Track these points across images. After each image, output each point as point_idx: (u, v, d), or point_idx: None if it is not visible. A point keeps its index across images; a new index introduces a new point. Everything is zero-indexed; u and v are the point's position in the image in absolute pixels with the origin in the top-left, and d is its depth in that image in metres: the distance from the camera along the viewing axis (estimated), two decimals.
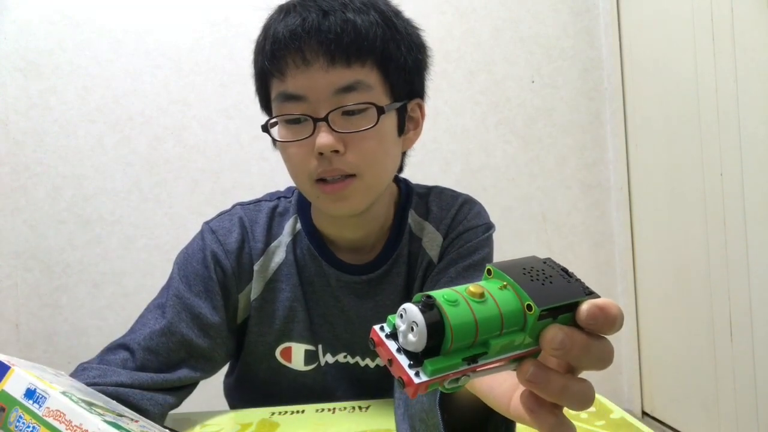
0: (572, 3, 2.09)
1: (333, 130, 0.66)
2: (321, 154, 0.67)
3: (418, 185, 0.87)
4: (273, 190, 0.89)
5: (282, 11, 0.69)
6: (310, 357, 0.81)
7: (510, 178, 2.06)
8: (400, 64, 0.70)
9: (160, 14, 1.96)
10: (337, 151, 0.66)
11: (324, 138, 0.66)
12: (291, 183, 0.88)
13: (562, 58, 2.09)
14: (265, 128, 0.72)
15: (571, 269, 0.34)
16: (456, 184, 0.91)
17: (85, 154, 1.94)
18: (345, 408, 0.76)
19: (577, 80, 2.09)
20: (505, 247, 2.00)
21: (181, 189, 1.97)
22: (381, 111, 0.67)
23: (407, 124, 0.76)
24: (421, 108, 0.78)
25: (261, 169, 1.98)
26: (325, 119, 0.66)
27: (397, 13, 0.73)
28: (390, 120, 0.71)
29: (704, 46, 1.60)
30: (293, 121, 0.69)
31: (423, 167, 1.95)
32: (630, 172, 2.03)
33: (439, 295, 0.30)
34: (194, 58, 1.97)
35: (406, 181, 0.86)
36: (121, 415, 0.48)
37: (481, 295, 0.31)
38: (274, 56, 0.68)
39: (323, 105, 0.66)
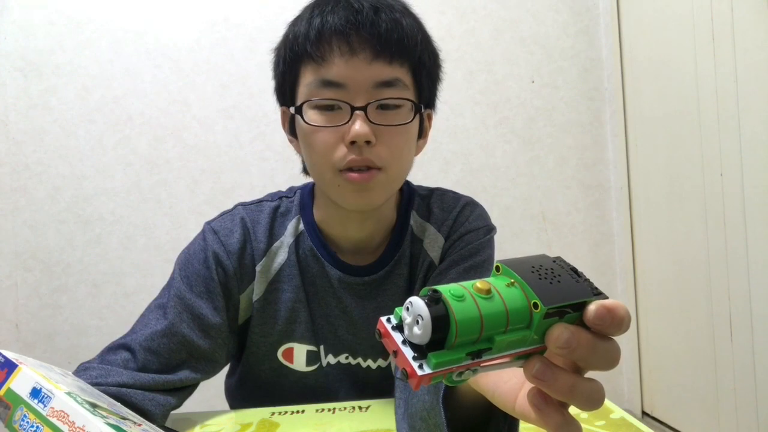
0: (572, 3, 2.09)
1: (369, 120, 0.67)
2: (353, 143, 0.67)
3: (420, 187, 0.87)
4: (273, 190, 0.88)
5: (329, 3, 0.70)
6: (311, 358, 0.81)
7: (510, 178, 2.07)
8: (429, 73, 0.74)
9: (160, 14, 1.96)
10: (368, 142, 0.68)
11: (361, 127, 0.67)
12: (291, 183, 0.88)
13: (562, 58, 2.09)
14: (299, 110, 0.71)
15: (582, 272, 0.34)
16: (456, 184, 0.91)
17: (85, 154, 1.94)
18: (345, 408, 0.76)
19: (577, 80, 2.09)
20: (506, 247, 2.01)
21: (181, 189, 1.97)
22: (418, 108, 0.71)
23: (421, 131, 0.78)
24: (430, 118, 0.81)
25: (261, 169, 1.98)
26: (364, 109, 0.67)
27: (424, 25, 0.76)
28: (415, 123, 0.73)
29: (704, 46, 1.60)
30: (327, 108, 0.69)
31: (423, 167, 1.95)
32: (630, 172, 2.03)
33: (446, 289, 0.30)
34: (194, 58, 1.97)
35: (408, 183, 0.86)
36: (124, 418, 0.48)
37: (488, 291, 0.31)
38: (319, 41, 0.68)
39: (362, 95, 0.68)
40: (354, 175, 0.69)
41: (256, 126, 1.97)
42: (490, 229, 0.83)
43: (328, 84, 0.68)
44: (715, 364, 1.62)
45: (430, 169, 1.99)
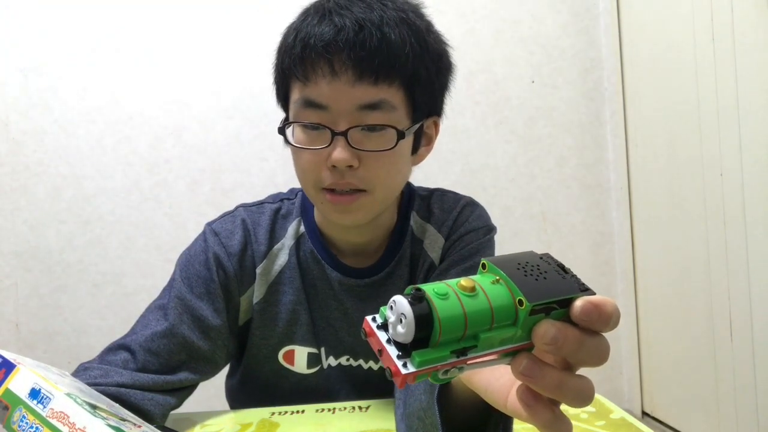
0: (572, 3, 2.09)
1: (350, 145, 0.66)
2: (334, 166, 0.66)
3: (420, 188, 0.87)
4: (273, 190, 0.89)
5: (317, 14, 0.67)
6: (312, 360, 0.81)
7: (510, 178, 2.06)
8: (426, 86, 0.69)
9: (161, 14, 1.96)
10: (351, 166, 0.66)
11: (340, 153, 0.65)
12: (292, 184, 0.88)
13: (562, 58, 2.09)
14: (282, 130, 0.71)
15: (570, 268, 0.34)
16: (456, 184, 0.91)
17: (85, 154, 1.94)
18: (345, 408, 0.76)
19: (577, 80, 2.09)
20: (506, 247, 1.99)
21: (181, 189, 1.97)
22: (401, 135, 0.67)
23: (421, 140, 0.76)
24: (436, 125, 0.78)
25: (261, 169, 1.98)
26: (345, 134, 0.65)
27: (429, 28, 0.71)
28: (407, 141, 0.70)
29: (704, 46, 1.60)
30: (311, 128, 0.68)
31: (423, 167, 1.93)
32: (630, 172, 2.03)
33: (430, 288, 0.30)
34: (195, 57, 1.97)
35: (408, 184, 0.86)
36: (124, 420, 0.48)
37: (472, 289, 0.31)
38: (303, 60, 0.66)
39: (344, 118, 0.66)
40: (335, 197, 0.68)
41: (256, 126, 1.97)
42: (490, 229, 0.83)
43: (312, 105, 0.67)
44: (715, 364, 1.62)
45: (430, 169, 1.98)
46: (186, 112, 1.97)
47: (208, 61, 1.97)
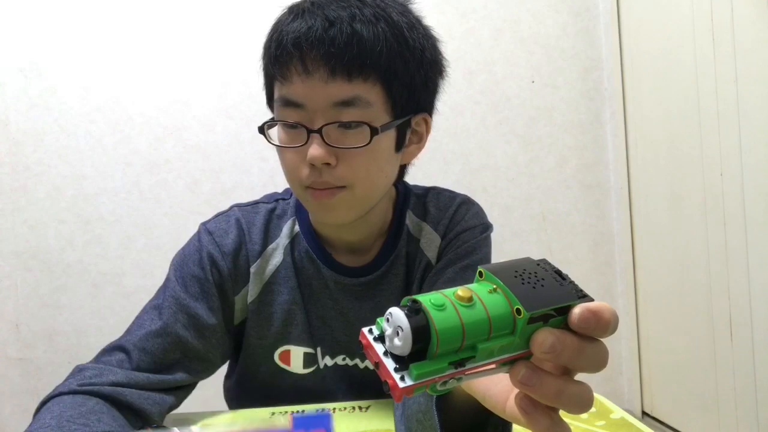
0: (572, 3, 2.09)
1: (325, 143, 0.66)
2: (313, 164, 0.67)
3: (416, 186, 0.87)
4: (273, 190, 0.88)
5: (291, 13, 0.68)
6: (309, 360, 0.80)
7: (510, 178, 2.06)
8: (405, 82, 0.68)
9: (161, 14, 1.96)
10: (328, 164, 0.66)
11: (315, 150, 0.65)
12: None
13: (562, 58, 2.09)
14: (261, 130, 0.72)
15: (570, 269, 0.34)
16: (455, 184, 0.91)
17: (85, 154, 1.94)
18: (345, 408, 0.76)
19: (577, 80, 2.09)
20: (505, 247, 2.01)
21: (181, 189, 1.97)
22: (375, 132, 0.66)
23: (410, 137, 0.75)
24: (427, 123, 0.77)
25: (261, 169, 1.98)
26: (319, 132, 0.66)
27: (412, 25, 0.69)
28: (387, 138, 0.69)
29: (704, 46, 1.60)
30: (289, 126, 0.69)
31: (423, 167, 1.94)
32: (630, 172, 2.03)
33: (426, 299, 0.30)
34: (195, 57, 1.97)
35: (404, 183, 0.86)
36: None
37: (470, 299, 0.31)
38: (278, 60, 0.67)
39: (320, 116, 0.66)
40: (316, 193, 0.68)
41: (256, 126, 1.96)
42: (486, 228, 0.82)
43: (289, 103, 0.67)
44: (715, 364, 1.62)
45: (430, 168, 1.99)
46: (186, 112, 1.97)
47: (208, 61, 1.97)
